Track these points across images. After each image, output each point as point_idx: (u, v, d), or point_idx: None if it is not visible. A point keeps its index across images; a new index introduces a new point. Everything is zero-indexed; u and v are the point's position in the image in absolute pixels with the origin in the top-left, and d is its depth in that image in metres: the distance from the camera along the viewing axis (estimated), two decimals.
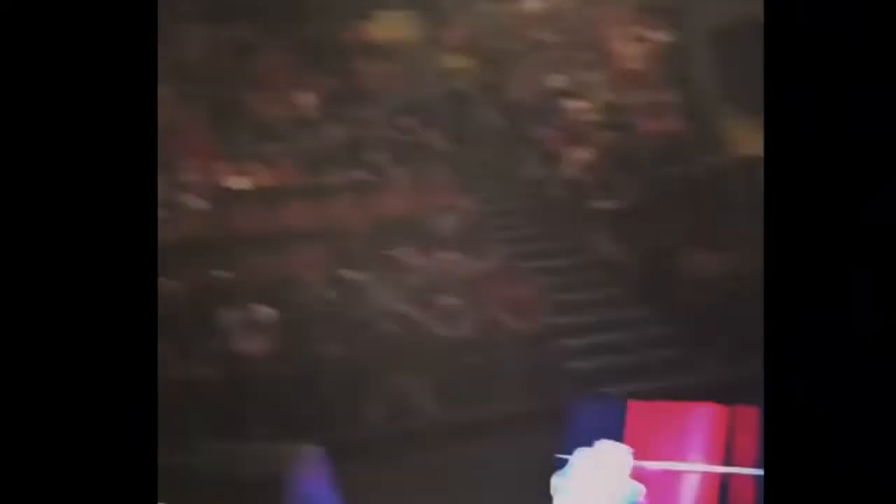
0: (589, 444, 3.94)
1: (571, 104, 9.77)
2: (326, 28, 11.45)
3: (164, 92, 9.75)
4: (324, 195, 8.47)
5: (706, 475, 4.48)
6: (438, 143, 9.27)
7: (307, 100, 9.83)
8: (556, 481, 3.88)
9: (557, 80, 10.25)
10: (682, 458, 4.50)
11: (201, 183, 8.44)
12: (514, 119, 9.92)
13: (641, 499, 3.91)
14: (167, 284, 6.89)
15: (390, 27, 12.75)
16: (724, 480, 4.48)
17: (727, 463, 4.52)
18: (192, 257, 7.59)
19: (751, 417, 4.66)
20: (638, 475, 3.97)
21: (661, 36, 11.08)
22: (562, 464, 3.97)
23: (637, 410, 4.59)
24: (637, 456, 4.00)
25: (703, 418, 4.63)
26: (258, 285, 7.23)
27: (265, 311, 7.06)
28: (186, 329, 6.89)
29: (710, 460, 4.54)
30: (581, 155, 9.03)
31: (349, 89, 10.13)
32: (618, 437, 4.15)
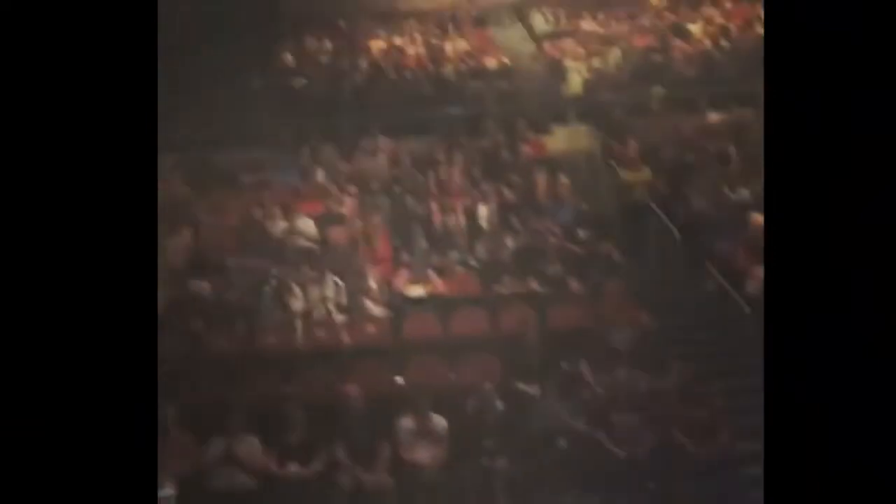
0: None
1: (756, 218, 9.43)
2: (505, 141, 11.80)
3: (350, 202, 10.40)
4: (498, 305, 8.50)
5: None
6: (615, 256, 9.14)
7: (484, 210, 10.07)
8: None
9: (742, 194, 9.98)
10: None
11: (380, 289, 8.72)
12: (693, 232, 9.69)
13: None
14: (347, 388, 7.07)
15: (567, 140, 12.99)
16: None
17: None
18: (368, 362, 7.79)
19: None
20: None
21: None
22: None
23: None
24: None
25: None
26: (431, 393, 7.26)
27: (436, 420, 7.06)
28: (360, 433, 6.98)
29: None
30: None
31: (526, 201, 10.28)
32: None
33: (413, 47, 16.84)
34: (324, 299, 8.51)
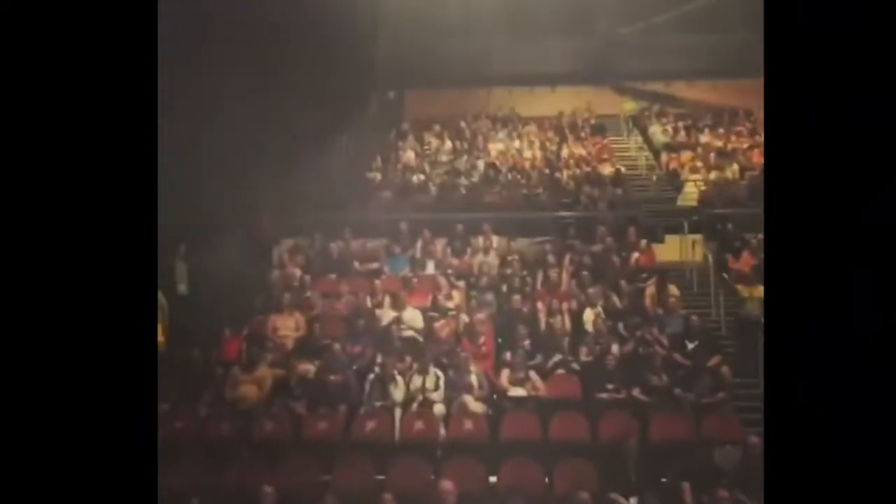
0: None
1: None
2: (616, 247, 11.82)
3: (457, 296, 10.58)
4: (599, 411, 8.37)
5: None
6: (723, 371, 8.90)
7: (590, 315, 10.04)
8: None
9: None
10: None
11: (481, 386, 8.74)
12: None
13: None
14: (440, 483, 7.06)
15: (679, 250, 12.90)
16: None
17: None
18: (463, 458, 7.76)
19: None
20: None
21: None
22: None
23: None
24: None
25: None
26: (524, 496, 7.15)
27: None
28: None
29: None
30: None
31: (633, 308, 10.20)
32: None
33: (530, 150, 17.27)
34: (424, 391, 8.60)
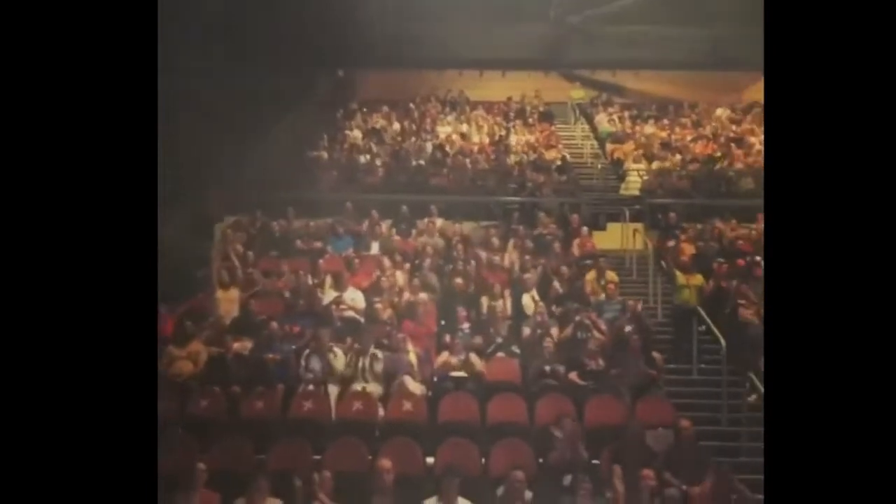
0: None
1: None
2: (559, 233, 11.91)
3: (400, 277, 10.56)
4: (537, 394, 8.46)
5: None
6: (659, 357, 9.07)
7: (531, 299, 10.14)
8: None
9: None
10: None
11: (420, 367, 8.76)
12: (739, 341, 9.59)
13: None
14: (377, 462, 7.07)
15: (620, 238, 13.07)
16: None
17: None
18: (401, 438, 7.77)
19: None
20: None
21: None
22: None
23: None
24: None
25: None
26: (460, 476, 7.19)
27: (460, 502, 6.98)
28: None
29: None
30: None
31: (573, 293, 10.31)
32: None
33: (478, 135, 17.29)
34: (363, 371, 8.58)
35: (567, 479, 7.16)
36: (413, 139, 16.77)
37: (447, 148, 16.17)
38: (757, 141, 16.63)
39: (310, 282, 10.31)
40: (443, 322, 9.92)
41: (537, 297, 10.20)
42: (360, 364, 8.61)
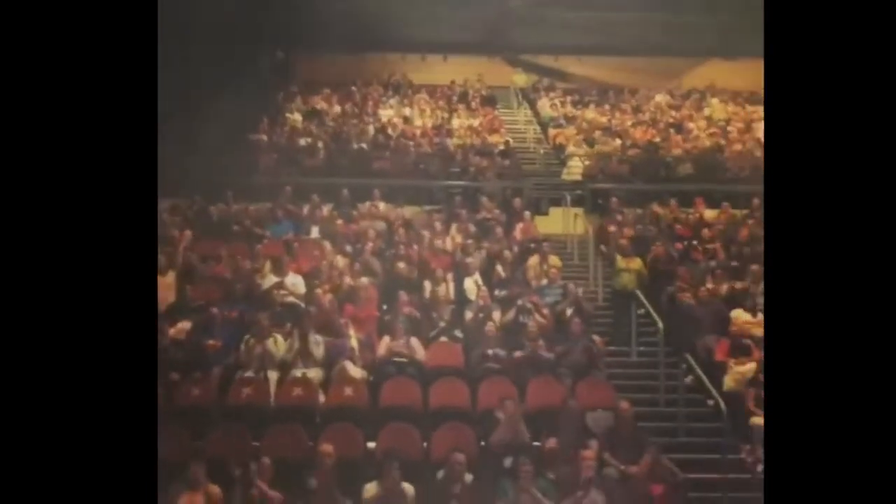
0: None
1: (738, 315, 9.54)
2: (501, 218, 11.92)
3: (341, 262, 10.45)
4: (479, 377, 8.48)
5: None
6: (599, 339, 9.18)
7: (474, 283, 10.15)
8: None
9: (726, 290, 10.11)
10: None
11: (362, 352, 8.70)
12: (677, 324, 9.76)
13: None
14: (317, 447, 7.00)
15: (562, 222, 13.18)
16: None
17: None
18: (342, 424, 7.72)
19: None
20: None
21: None
22: None
23: None
24: None
25: None
26: (401, 461, 7.18)
27: (404, 488, 6.96)
28: (325, 494, 6.88)
29: None
30: (744, 367, 8.70)
31: (515, 277, 10.35)
32: None
33: (421, 118, 17.22)
34: (304, 356, 8.47)
35: (508, 461, 7.21)
36: (355, 122, 16.61)
37: (389, 131, 16.06)
38: (695, 126, 16.91)
39: (249, 266, 10.14)
40: (385, 307, 9.86)
41: (480, 282, 10.21)
42: (301, 349, 8.51)
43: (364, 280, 9.92)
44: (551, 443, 7.24)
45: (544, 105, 18.55)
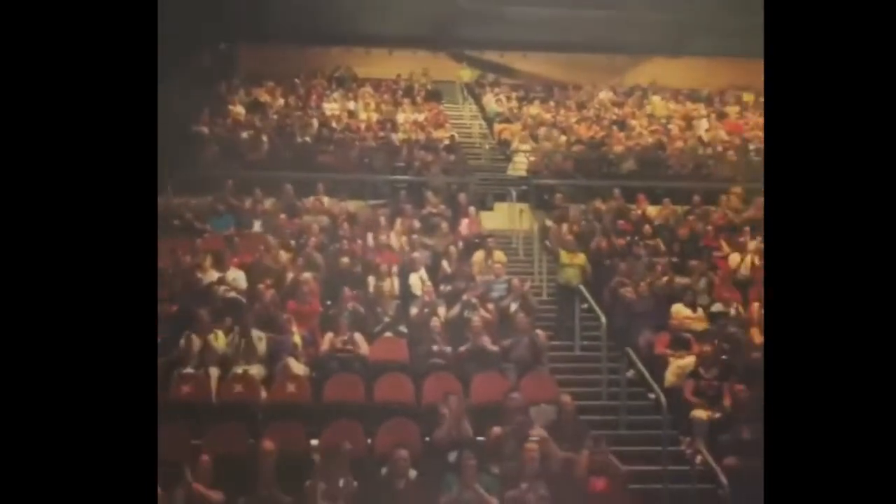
0: None
1: (678, 310, 9.69)
2: (447, 213, 11.92)
3: (284, 257, 10.32)
4: (424, 372, 8.47)
5: None
6: (543, 334, 9.23)
7: (418, 279, 10.13)
8: None
9: (668, 286, 10.26)
10: None
11: (305, 348, 8.61)
12: (618, 319, 9.88)
13: None
14: (260, 444, 6.90)
15: (507, 217, 13.23)
16: None
17: None
18: (285, 420, 7.63)
19: None
20: None
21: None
22: None
23: None
24: None
25: None
26: (345, 457, 7.12)
27: (346, 485, 6.91)
28: (267, 491, 6.80)
29: None
30: (683, 361, 8.85)
31: (460, 272, 10.34)
32: None
33: (365, 112, 17.11)
34: (245, 353, 8.35)
35: (452, 456, 7.21)
36: (299, 115, 16.42)
37: (334, 125, 15.92)
38: (637, 124, 17.13)
39: (189, 261, 9.94)
40: (328, 302, 9.77)
41: (425, 277, 10.19)
42: (242, 345, 8.38)
43: (307, 275, 9.81)
44: (495, 437, 7.26)
45: (490, 100, 18.60)
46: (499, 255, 11.03)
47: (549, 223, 12.44)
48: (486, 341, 8.80)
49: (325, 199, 12.56)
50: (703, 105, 18.73)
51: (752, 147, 16.17)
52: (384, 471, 7.05)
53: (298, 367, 8.35)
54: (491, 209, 13.75)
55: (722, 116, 18.04)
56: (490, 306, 9.55)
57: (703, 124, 17.37)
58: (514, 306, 9.54)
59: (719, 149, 15.90)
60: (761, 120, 17.72)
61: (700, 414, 8.12)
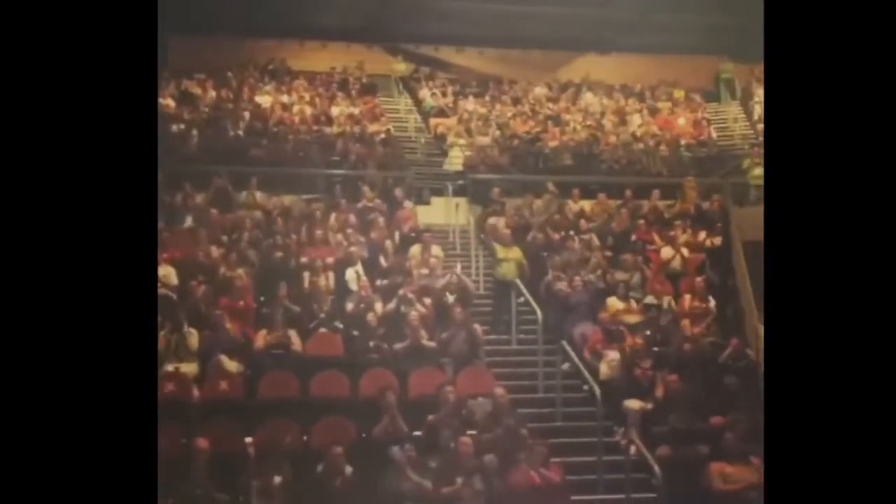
0: None
1: (612, 303, 9.83)
2: (382, 207, 11.87)
3: (216, 252, 10.12)
4: (360, 368, 8.41)
5: None
6: (479, 328, 9.27)
7: (354, 273, 10.05)
8: None
9: (601, 279, 10.40)
10: None
11: (238, 345, 8.47)
12: (554, 312, 9.97)
13: None
14: (193, 443, 6.77)
15: (444, 212, 13.23)
16: None
17: None
18: (218, 419, 7.51)
19: None
20: None
21: (706, 243, 11.36)
22: None
23: None
24: None
25: None
26: (280, 455, 7.04)
27: (281, 480, 6.83)
28: (201, 491, 6.67)
29: None
30: (617, 355, 8.98)
31: (397, 267, 10.30)
32: None
33: (299, 105, 16.89)
34: (177, 350, 8.18)
35: (391, 451, 7.18)
36: (231, 108, 16.11)
37: (267, 118, 15.67)
38: (571, 119, 17.30)
39: None
40: (262, 298, 9.62)
41: (361, 272, 10.11)
42: (174, 343, 8.20)
43: (240, 271, 9.65)
44: (431, 431, 7.26)
45: (425, 94, 18.54)
46: (435, 249, 11.02)
47: (485, 218, 12.47)
48: (423, 336, 8.78)
49: (258, 194, 12.36)
50: (635, 100, 19.01)
51: (682, 142, 16.50)
52: (320, 468, 6.98)
53: (231, 365, 8.23)
54: (427, 203, 13.73)
55: (654, 112, 18.34)
56: (427, 301, 9.53)
57: (635, 120, 17.63)
58: (450, 300, 9.55)
59: (651, 143, 16.18)
60: (691, 115, 18.14)
61: (633, 404, 8.26)
